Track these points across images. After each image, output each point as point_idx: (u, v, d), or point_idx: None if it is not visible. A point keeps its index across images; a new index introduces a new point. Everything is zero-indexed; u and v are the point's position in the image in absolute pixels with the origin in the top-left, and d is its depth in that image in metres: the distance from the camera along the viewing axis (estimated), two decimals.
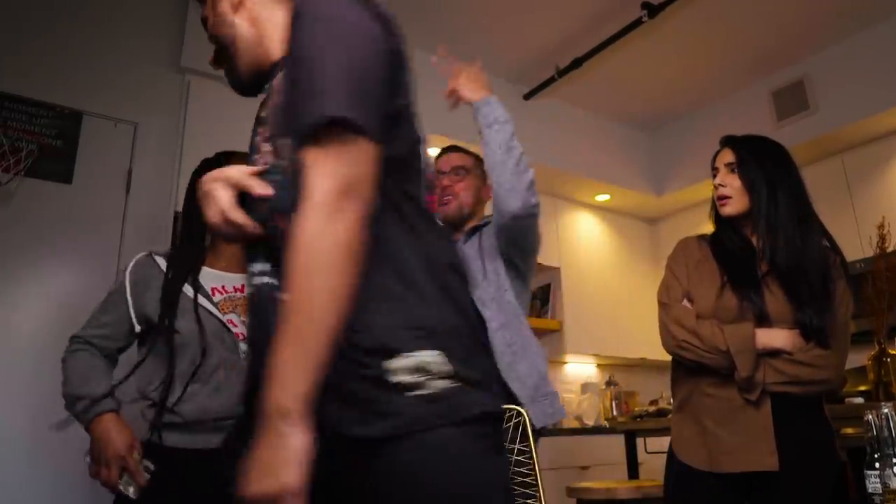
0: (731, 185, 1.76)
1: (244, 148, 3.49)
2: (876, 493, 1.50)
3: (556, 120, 4.70)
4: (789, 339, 1.62)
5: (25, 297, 2.71)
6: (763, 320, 1.64)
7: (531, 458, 1.42)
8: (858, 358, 4.00)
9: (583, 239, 5.05)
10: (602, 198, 5.11)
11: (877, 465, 1.50)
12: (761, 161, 1.76)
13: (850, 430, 2.94)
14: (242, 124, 3.40)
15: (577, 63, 4.08)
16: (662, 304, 1.78)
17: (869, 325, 3.17)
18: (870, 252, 3.57)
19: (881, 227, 3.21)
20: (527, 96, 4.53)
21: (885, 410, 1.52)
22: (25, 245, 2.74)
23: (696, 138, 4.98)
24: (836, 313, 1.66)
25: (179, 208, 3.00)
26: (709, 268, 1.75)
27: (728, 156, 1.80)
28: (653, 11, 3.60)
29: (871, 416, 1.53)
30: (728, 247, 1.77)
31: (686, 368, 1.73)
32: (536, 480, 1.40)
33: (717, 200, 1.78)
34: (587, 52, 4.00)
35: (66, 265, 2.82)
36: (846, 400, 2.57)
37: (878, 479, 1.50)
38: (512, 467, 1.44)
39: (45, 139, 2.85)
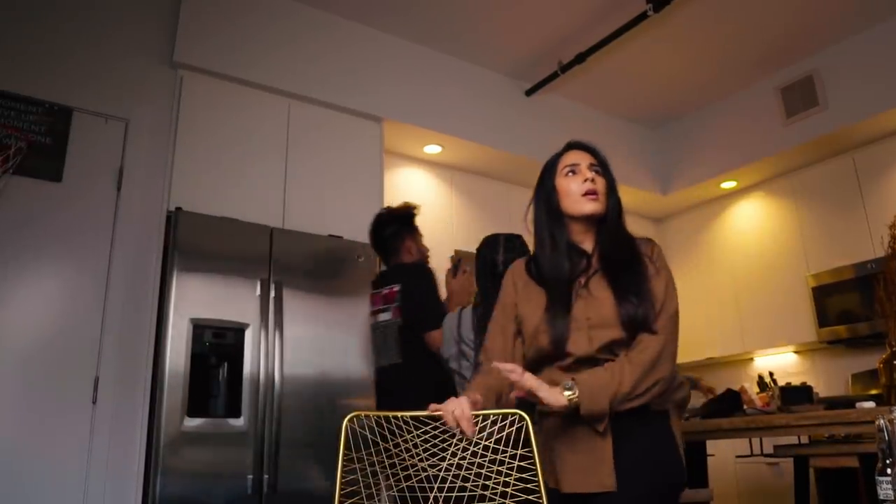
0: (599, 184, 1.75)
1: (237, 144, 3.45)
2: (888, 500, 1.47)
3: (558, 116, 4.64)
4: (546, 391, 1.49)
5: (14, 297, 2.67)
6: (592, 327, 1.60)
7: (534, 463, 1.36)
8: (869, 361, 3.93)
9: None
10: None
11: (889, 471, 1.47)
12: (607, 168, 1.81)
13: (860, 435, 2.85)
14: (235, 121, 3.39)
15: (579, 58, 4.02)
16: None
17: (880, 328, 3.08)
18: (881, 252, 3.49)
19: (893, 226, 3.13)
20: (528, 92, 4.47)
21: None
22: (14, 245, 2.69)
23: (702, 136, 4.92)
24: (667, 306, 1.61)
25: (172, 207, 2.97)
26: (536, 288, 1.73)
27: (589, 157, 1.80)
28: (658, 5, 3.53)
29: (882, 421, 1.50)
30: (555, 256, 1.72)
31: None
32: (540, 487, 1.35)
33: (587, 195, 1.71)
34: (590, 47, 3.94)
35: (56, 265, 2.78)
36: (857, 404, 2.48)
37: (889, 485, 1.46)
38: (514, 472, 1.39)
39: (33, 136, 2.80)
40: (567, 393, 1.45)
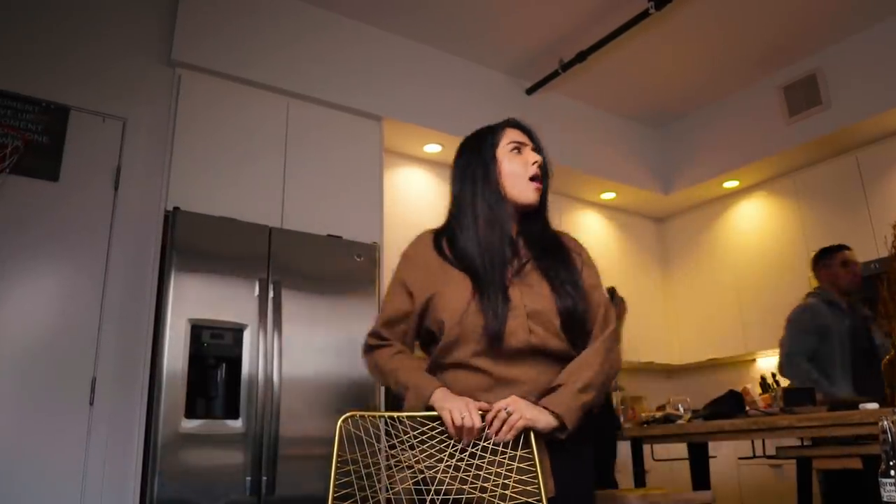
0: (539, 169, 1.64)
1: (235, 143, 3.44)
2: (891, 502, 1.45)
3: (559, 115, 4.62)
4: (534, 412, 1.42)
5: (11, 297, 2.65)
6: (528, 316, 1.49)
7: (534, 465, 1.35)
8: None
9: (588, 238, 4.89)
10: (608, 196, 5.02)
11: (892, 472, 1.45)
12: (543, 153, 1.68)
13: (864, 436, 2.83)
14: (234, 120, 3.37)
15: (581, 57, 4.00)
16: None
17: (884, 329, 3.05)
18: (884, 252, 3.47)
19: None
20: (529, 91, 4.45)
21: None
22: (11, 245, 2.68)
23: (704, 135, 4.89)
24: (608, 317, 1.54)
25: (170, 206, 2.95)
26: (452, 270, 1.56)
27: (530, 141, 1.68)
28: (659, 3, 3.51)
29: (885, 423, 1.48)
30: (492, 235, 1.56)
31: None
32: (540, 489, 1.33)
33: (533, 181, 1.61)
34: (591, 45, 3.92)
35: (53, 265, 2.76)
36: (860, 406, 2.46)
37: (893, 487, 1.44)
38: (514, 475, 1.38)
39: (30, 135, 2.79)
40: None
